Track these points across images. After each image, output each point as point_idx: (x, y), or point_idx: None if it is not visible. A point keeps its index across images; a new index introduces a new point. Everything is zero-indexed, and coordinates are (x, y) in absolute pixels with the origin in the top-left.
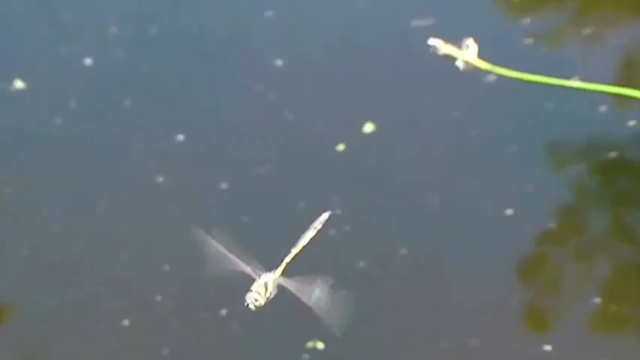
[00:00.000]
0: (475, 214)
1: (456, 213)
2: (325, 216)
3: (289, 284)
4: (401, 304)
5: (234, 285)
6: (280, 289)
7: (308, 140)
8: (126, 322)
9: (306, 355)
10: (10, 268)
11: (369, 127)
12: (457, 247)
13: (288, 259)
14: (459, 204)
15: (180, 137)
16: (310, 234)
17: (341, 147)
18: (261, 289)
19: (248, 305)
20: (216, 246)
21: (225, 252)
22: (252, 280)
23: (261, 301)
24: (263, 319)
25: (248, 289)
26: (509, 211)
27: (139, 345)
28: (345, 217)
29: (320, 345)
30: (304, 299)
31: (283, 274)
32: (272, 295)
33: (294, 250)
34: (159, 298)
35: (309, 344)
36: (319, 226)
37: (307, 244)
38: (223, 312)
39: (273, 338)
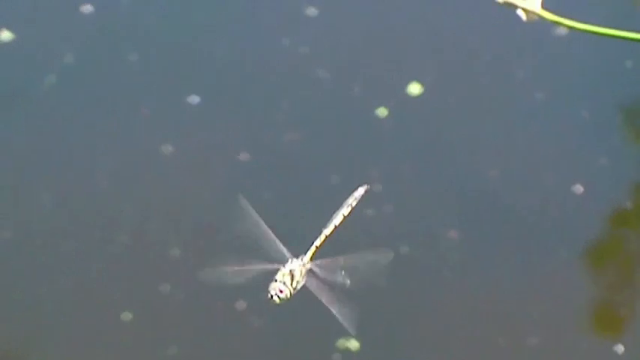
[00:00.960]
0: (538, 191)
1: (516, 190)
2: (361, 191)
3: (320, 270)
4: (449, 296)
5: (255, 273)
6: (309, 278)
7: (344, 103)
8: (127, 316)
9: (336, 356)
10: None
11: (415, 88)
12: (516, 230)
13: (318, 242)
14: (520, 179)
15: (195, 99)
16: (343, 212)
17: (382, 111)
18: (287, 279)
19: (272, 297)
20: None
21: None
22: (276, 269)
23: (287, 293)
24: (287, 313)
25: (271, 279)
26: (578, 188)
27: (143, 342)
28: (385, 195)
29: (354, 344)
30: (335, 286)
31: (312, 260)
32: (299, 286)
33: (325, 232)
34: (166, 287)
35: (341, 343)
36: (354, 203)
37: (340, 224)
38: (241, 304)
39: (299, 335)
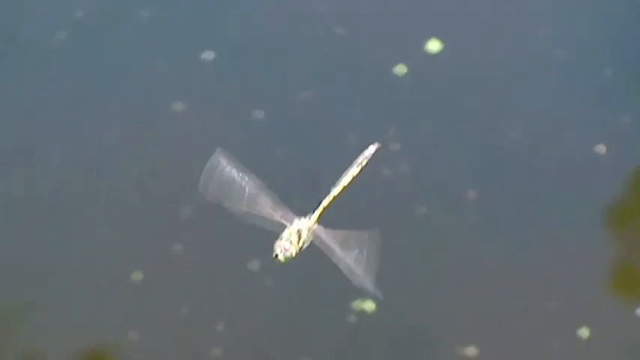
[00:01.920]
0: (559, 151)
1: (537, 150)
2: (372, 149)
3: (326, 234)
4: (468, 259)
5: (268, 233)
6: (315, 238)
7: (361, 60)
8: (138, 276)
9: (352, 317)
10: (1, 207)
11: (434, 45)
12: (536, 190)
13: (325, 202)
14: (540, 139)
15: (208, 55)
16: (353, 172)
17: (400, 69)
18: (293, 238)
19: (277, 256)
20: (242, 180)
21: (255, 188)
22: (283, 227)
23: (292, 252)
24: (301, 274)
25: (277, 238)
26: (600, 148)
27: (154, 302)
28: (403, 154)
29: (369, 305)
30: (341, 255)
31: (320, 220)
32: (305, 245)
33: (334, 192)
34: (178, 247)
35: (356, 304)
36: (364, 162)
37: (349, 184)
38: (254, 265)
39: (313, 296)
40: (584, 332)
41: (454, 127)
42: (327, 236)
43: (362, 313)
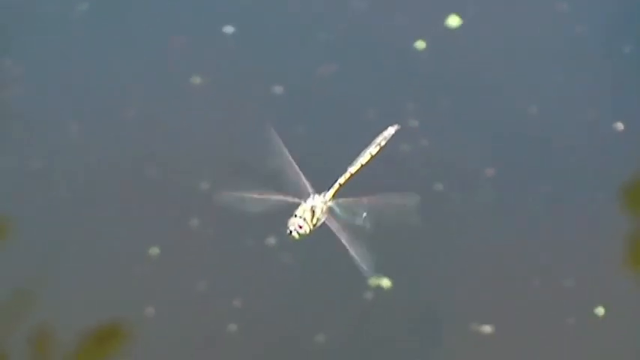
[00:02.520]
0: (578, 127)
1: (555, 127)
2: (391, 131)
3: (341, 209)
4: (484, 235)
5: (274, 204)
6: (329, 216)
7: (381, 35)
8: (155, 251)
9: (369, 294)
10: (18, 182)
11: (453, 21)
12: (554, 167)
13: (342, 180)
14: (559, 115)
15: (229, 29)
16: (371, 151)
17: (420, 44)
18: (307, 215)
19: (290, 233)
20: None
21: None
22: (297, 203)
23: (307, 229)
24: (318, 250)
25: (291, 214)
26: (619, 125)
27: (170, 277)
28: (421, 130)
29: (386, 282)
30: (354, 227)
31: (335, 197)
32: (320, 222)
33: (351, 170)
34: (195, 222)
35: (373, 281)
36: (383, 143)
37: (366, 163)
38: (272, 240)
39: (330, 273)
40: (600, 310)
41: (473, 102)
42: (342, 211)
43: (378, 289)
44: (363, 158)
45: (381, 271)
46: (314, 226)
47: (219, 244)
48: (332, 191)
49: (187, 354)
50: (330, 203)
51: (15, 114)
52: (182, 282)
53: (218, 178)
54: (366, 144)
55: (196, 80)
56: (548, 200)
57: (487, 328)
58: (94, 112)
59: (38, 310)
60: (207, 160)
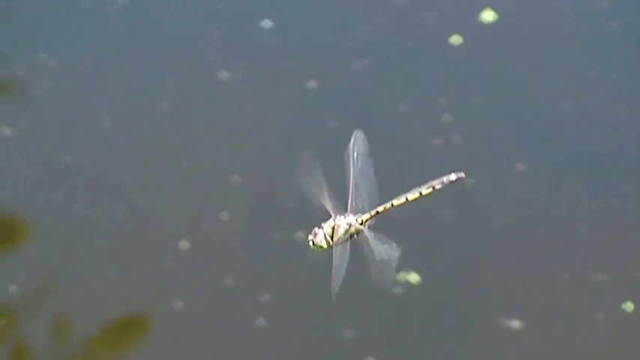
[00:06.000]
0: (610, 124)
1: (590, 122)
2: (453, 177)
3: (369, 239)
4: (514, 230)
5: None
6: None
7: (417, 30)
8: (184, 244)
9: (398, 289)
10: (48, 177)
11: (488, 15)
12: (588, 163)
13: (381, 208)
14: (594, 111)
15: (267, 23)
16: (421, 191)
17: (456, 39)
18: (328, 230)
19: (310, 241)
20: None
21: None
22: (329, 215)
23: (324, 244)
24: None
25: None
26: None
27: (199, 271)
28: (454, 124)
29: (414, 277)
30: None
31: (366, 223)
32: (341, 242)
33: (394, 202)
34: (225, 215)
35: (402, 276)
36: (438, 187)
37: (412, 200)
38: (301, 235)
39: (359, 267)
40: (629, 306)
41: (506, 97)
42: (368, 240)
43: (407, 284)
44: (411, 195)
45: (410, 267)
46: (333, 243)
47: (248, 238)
48: (366, 216)
49: (215, 348)
50: (360, 227)
51: (47, 104)
52: (211, 276)
53: (249, 173)
54: (400, 136)
55: (230, 74)
56: (578, 195)
57: (515, 323)
58: (128, 105)
59: (65, 301)
60: (240, 154)
